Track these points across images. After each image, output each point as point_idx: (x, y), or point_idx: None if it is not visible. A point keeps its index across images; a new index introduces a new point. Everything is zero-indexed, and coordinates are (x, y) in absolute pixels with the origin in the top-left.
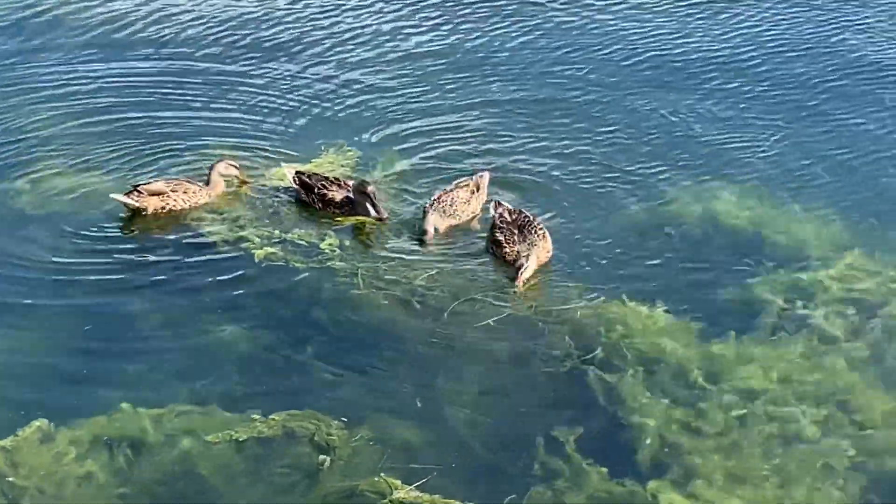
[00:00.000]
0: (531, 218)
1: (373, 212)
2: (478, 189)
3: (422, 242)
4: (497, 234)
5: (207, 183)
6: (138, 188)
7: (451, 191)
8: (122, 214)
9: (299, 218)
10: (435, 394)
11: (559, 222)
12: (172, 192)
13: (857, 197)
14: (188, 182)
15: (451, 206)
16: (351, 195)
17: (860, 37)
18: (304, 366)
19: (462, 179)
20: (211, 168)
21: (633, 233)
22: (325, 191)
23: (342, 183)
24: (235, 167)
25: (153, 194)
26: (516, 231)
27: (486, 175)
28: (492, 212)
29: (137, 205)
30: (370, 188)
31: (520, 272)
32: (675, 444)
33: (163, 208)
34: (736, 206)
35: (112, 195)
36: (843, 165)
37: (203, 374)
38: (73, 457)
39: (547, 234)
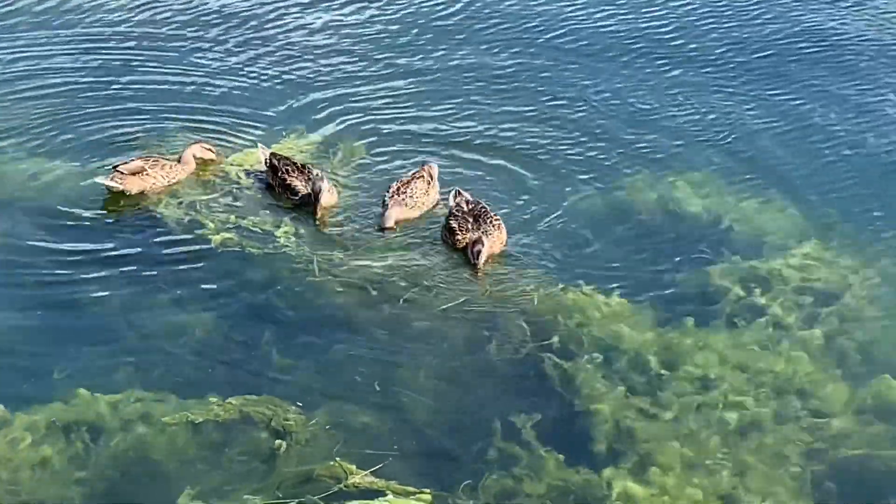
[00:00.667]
0: (487, 209)
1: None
2: (432, 178)
3: (381, 233)
4: (451, 222)
5: (179, 161)
6: (118, 168)
7: (409, 182)
8: (79, 199)
9: (258, 204)
10: (391, 380)
11: (515, 208)
12: (151, 168)
13: (815, 187)
14: (164, 159)
15: (410, 197)
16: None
17: (823, 19)
18: (261, 351)
19: (415, 170)
20: (186, 147)
21: (590, 220)
22: (287, 177)
23: (309, 173)
24: (212, 151)
25: (133, 173)
26: (471, 220)
27: (435, 166)
28: (451, 201)
29: (121, 187)
30: (319, 185)
31: (478, 256)
32: (632, 432)
33: (145, 188)
34: (693, 194)
35: (96, 179)
36: (803, 155)
37: (159, 359)
38: (28, 443)
39: (502, 225)
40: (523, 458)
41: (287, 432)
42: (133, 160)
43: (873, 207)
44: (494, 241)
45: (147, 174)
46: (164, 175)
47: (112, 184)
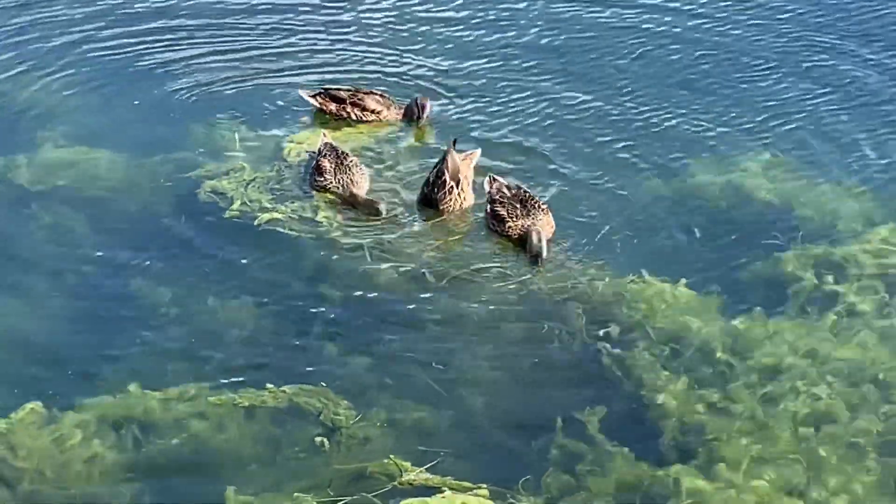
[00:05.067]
0: (531, 193)
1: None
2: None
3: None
4: (499, 209)
5: (405, 112)
6: (328, 90)
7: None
8: (123, 187)
9: (299, 189)
10: (448, 373)
11: (576, 195)
12: (351, 103)
13: (889, 168)
14: (374, 96)
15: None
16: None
17: None
18: (314, 343)
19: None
20: (417, 102)
21: (653, 207)
22: (321, 158)
23: (345, 159)
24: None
25: (334, 100)
26: (518, 205)
27: (477, 152)
28: (486, 187)
29: (319, 106)
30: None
31: (540, 254)
32: (699, 426)
33: (339, 115)
34: (762, 178)
35: (300, 91)
36: (874, 135)
37: (210, 352)
38: (78, 440)
39: (549, 209)
40: (586, 454)
41: (340, 427)
42: (341, 89)
43: None
44: (544, 225)
45: (345, 106)
46: (359, 114)
47: (312, 101)
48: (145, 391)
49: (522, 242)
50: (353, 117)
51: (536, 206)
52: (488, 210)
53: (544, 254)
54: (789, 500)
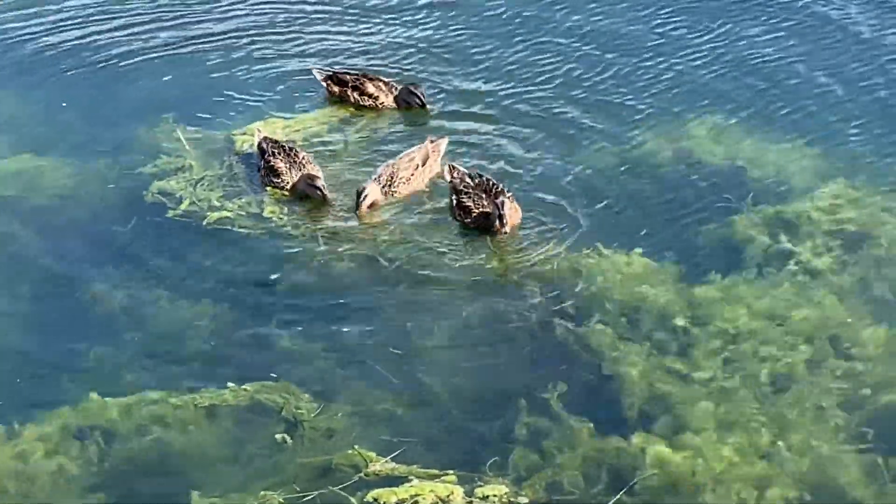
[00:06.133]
0: (495, 181)
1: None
2: (424, 162)
3: (357, 204)
4: (464, 200)
5: (397, 98)
6: (336, 73)
7: (394, 164)
8: (72, 196)
9: (249, 185)
10: (407, 359)
11: (523, 172)
12: (352, 87)
13: (837, 124)
14: (377, 82)
15: (389, 184)
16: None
17: None
18: (272, 337)
19: (411, 150)
20: (414, 92)
21: (604, 177)
22: (272, 160)
23: (296, 156)
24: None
25: (339, 83)
26: (483, 195)
27: (443, 141)
28: (447, 177)
29: (324, 86)
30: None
31: (502, 218)
32: (662, 394)
33: (341, 98)
34: (710, 143)
35: (312, 69)
36: (820, 93)
37: (168, 355)
38: (41, 453)
39: (513, 196)
40: (552, 431)
41: (302, 421)
42: (348, 72)
43: None
44: (512, 212)
45: (347, 90)
46: (359, 99)
47: (321, 81)
48: (105, 399)
49: (484, 228)
50: (353, 101)
51: (502, 194)
52: (453, 200)
53: (506, 216)
54: (755, 462)
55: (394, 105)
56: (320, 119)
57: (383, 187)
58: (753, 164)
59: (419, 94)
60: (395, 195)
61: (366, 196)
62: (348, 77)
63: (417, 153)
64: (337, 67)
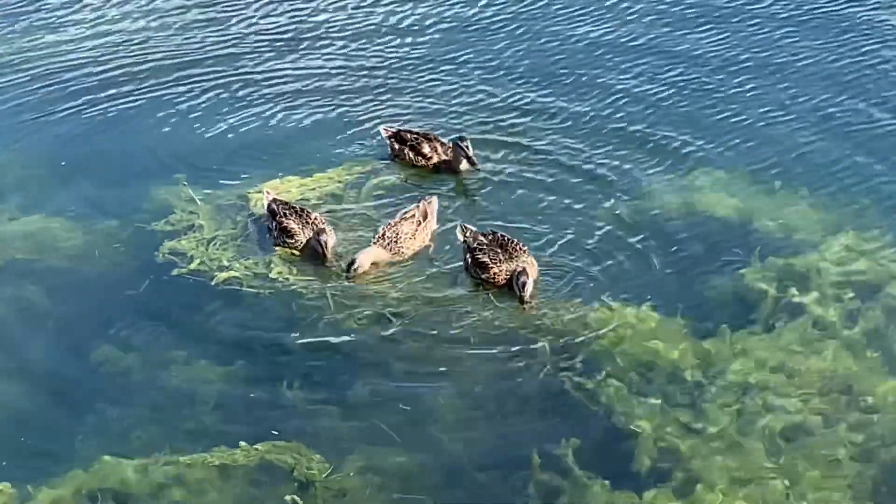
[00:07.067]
0: (509, 237)
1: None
2: (425, 217)
3: (347, 274)
4: (480, 257)
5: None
6: (400, 133)
7: (396, 223)
8: (80, 254)
9: (260, 245)
10: (419, 417)
11: (530, 225)
12: (409, 146)
13: (845, 176)
14: (434, 143)
15: (395, 241)
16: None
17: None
18: (281, 397)
19: (408, 209)
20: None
21: (612, 231)
22: (285, 221)
23: (308, 217)
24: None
25: (399, 141)
26: (499, 250)
27: (434, 200)
28: (460, 237)
29: (388, 143)
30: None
31: (524, 288)
32: (674, 448)
33: (397, 156)
34: (719, 195)
35: (380, 127)
36: (828, 145)
37: (180, 415)
38: None
39: (528, 251)
40: (564, 487)
41: (314, 481)
42: (408, 130)
43: None
44: (531, 267)
45: (405, 148)
46: (414, 158)
47: (387, 140)
48: (119, 460)
49: (509, 286)
50: (408, 159)
51: (518, 248)
52: (468, 259)
53: (524, 293)
54: None
55: (445, 164)
56: (335, 178)
57: (388, 245)
58: (761, 216)
59: (464, 147)
60: (402, 252)
61: (357, 267)
62: (408, 136)
63: (416, 210)
64: (401, 126)
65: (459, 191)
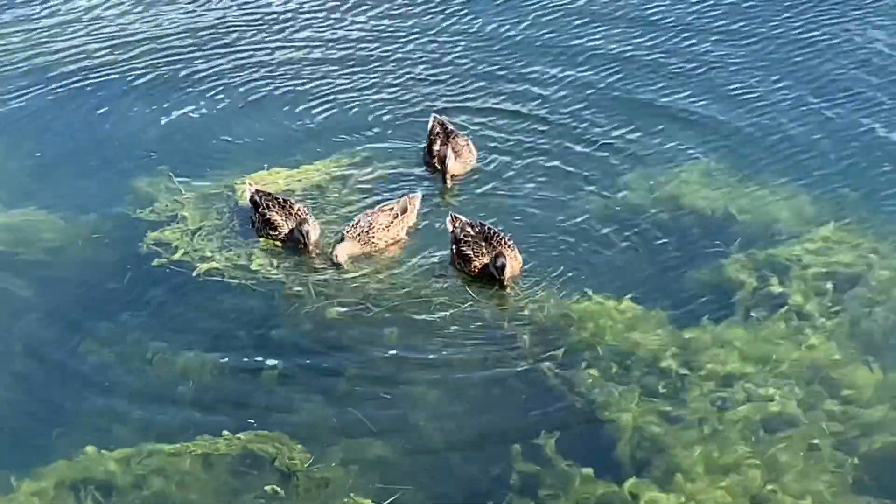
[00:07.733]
0: (495, 230)
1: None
2: (403, 212)
3: (337, 267)
4: (464, 249)
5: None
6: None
7: (372, 214)
8: (61, 248)
9: (244, 236)
10: (401, 406)
11: (514, 219)
12: (456, 153)
13: (826, 167)
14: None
15: (366, 232)
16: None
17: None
18: (263, 388)
19: (387, 203)
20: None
21: (593, 224)
22: (268, 212)
23: (291, 209)
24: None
25: (440, 160)
26: (483, 243)
27: (418, 196)
28: (449, 227)
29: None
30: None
31: (503, 271)
32: (655, 438)
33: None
34: (699, 187)
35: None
36: (810, 136)
37: (163, 406)
38: None
39: (514, 245)
40: (545, 477)
41: (296, 471)
42: (451, 151)
43: (889, 183)
44: (513, 261)
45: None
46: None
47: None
48: (101, 452)
49: (488, 273)
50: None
51: (502, 242)
52: (454, 250)
53: (503, 275)
54: None
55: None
56: (323, 170)
57: (359, 235)
58: (742, 208)
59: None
60: (374, 242)
61: (338, 263)
62: (438, 129)
63: (396, 204)
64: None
65: (445, 191)
